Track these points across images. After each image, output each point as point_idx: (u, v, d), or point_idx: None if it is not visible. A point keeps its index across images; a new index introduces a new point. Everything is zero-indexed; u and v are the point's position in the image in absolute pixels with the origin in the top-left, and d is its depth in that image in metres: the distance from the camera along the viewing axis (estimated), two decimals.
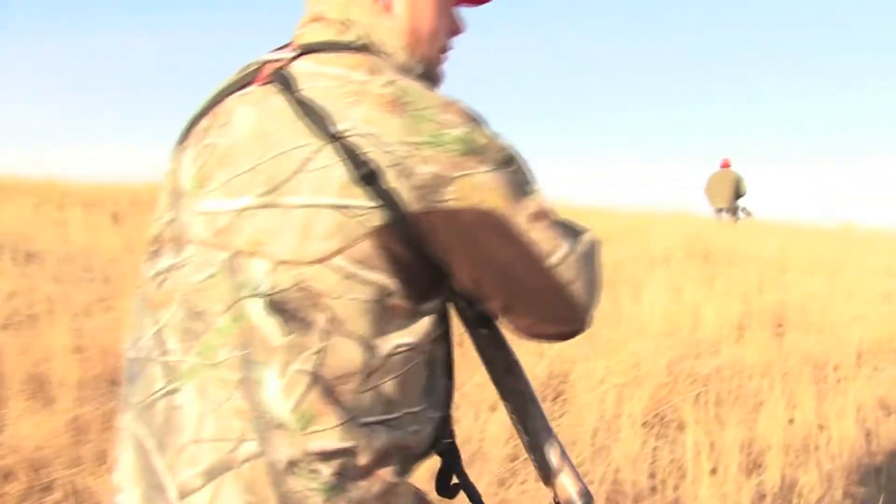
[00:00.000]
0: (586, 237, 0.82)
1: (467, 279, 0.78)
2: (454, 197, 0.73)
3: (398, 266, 0.74)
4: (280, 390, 0.73)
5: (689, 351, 4.04)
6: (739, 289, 5.33)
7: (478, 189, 0.74)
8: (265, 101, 0.78)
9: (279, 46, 0.85)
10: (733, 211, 11.48)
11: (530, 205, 0.77)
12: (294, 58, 0.80)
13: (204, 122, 0.84)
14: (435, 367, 0.83)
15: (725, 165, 11.77)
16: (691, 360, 3.97)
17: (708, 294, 5.07)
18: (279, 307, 0.72)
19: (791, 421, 3.26)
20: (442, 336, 0.84)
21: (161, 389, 0.78)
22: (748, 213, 11.56)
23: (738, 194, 11.62)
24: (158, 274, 0.82)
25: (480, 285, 0.78)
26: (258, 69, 0.82)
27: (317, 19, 0.84)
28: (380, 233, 0.72)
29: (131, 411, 0.81)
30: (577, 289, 0.79)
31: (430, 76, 0.88)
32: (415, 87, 0.77)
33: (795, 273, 6.24)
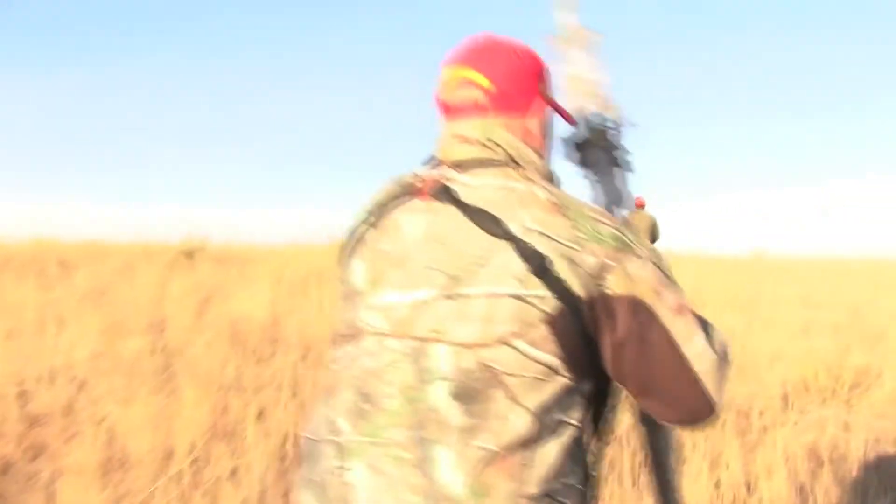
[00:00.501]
0: (720, 335, 0.89)
1: (612, 359, 0.84)
2: (613, 285, 0.81)
3: (564, 347, 0.82)
4: (454, 466, 0.79)
5: None
6: None
7: (631, 279, 0.82)
8: (434, 211, 0.87)
9: (427, 162, 0.95)
10: None
11: (673, 297, 0.84)
12: (449, 173, 0.89)
13: (371, 234, 0.92)
14: (583, 443, 0.88)
15: (640, 206, 11.60)
16: None
17: None
18: (460, 388, 0.81)
19: (717, 484, 2.86)
20: (589, 417, 0.89)
21: (334, 467, 0.85)
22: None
23: (653, 238, 11.51)
24: (334, 362, 0.93)
25: (622, 366, 0.84)
26: (415, 184, 0.91)
27: (462, 140, 0.92)
28: (553, 317, 0.80)
29: (310, 489, 0.88)
30: (710, 382, 0.84)
31: (553, 179, 0.96)
32: (566, 193, 0.89)
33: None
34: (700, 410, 0.85)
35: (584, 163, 1.13)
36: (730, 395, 4.08)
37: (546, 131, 0.99)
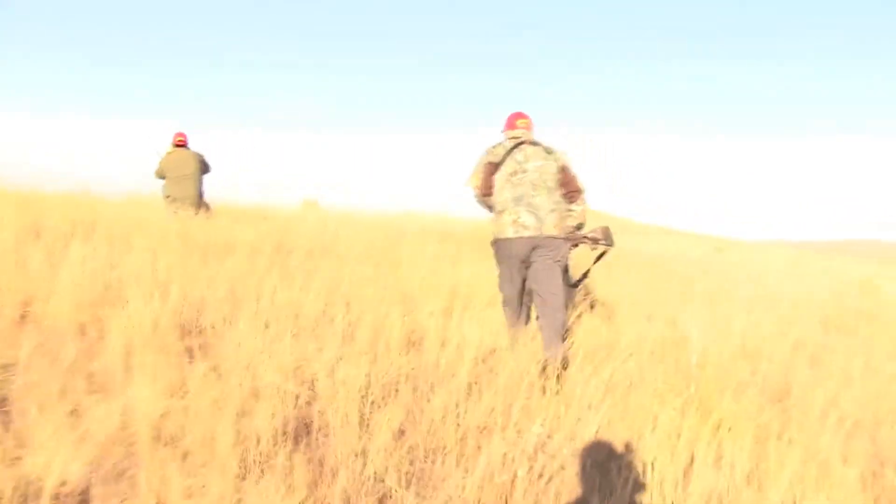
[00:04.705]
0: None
1: (563, 179, 4.32)
2: (564, 163, 4.34)
3: (559, 178, 4.35)
4: (556, 196, 4.29)
5: None
6: None
7: (567, 162, 4.37)
8: (533, 146, 4.38)
9: (523, 136, 4.49)
10: (198, 206, 7.77)
11: (572, 167, 4.41)
12: (533, 140, 4.44)
13: (516, 151, 4.34)
14: None
15: (181, 143, 7.84)
16: None
17: None
18: (550, 185, 4.29)
19: None
20: None
21: (531, 199, 4.24)
22: (208, 209, 7.95)
23: (206, 171, 8.02)
24: (518, 181, 4.28)
25: (567, 180, 4.33)
26: (521, 142, 4.39)
27: (526, 135, 4.48)
28: (559, 169, 4.31)
29: (522, 208, 4.23)
30: (580, 183, 4.38)
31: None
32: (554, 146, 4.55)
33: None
34: (581, 192, 4.33)
35: None
36: None
37: None
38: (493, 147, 4.42)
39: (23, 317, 3.15)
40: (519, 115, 4.54)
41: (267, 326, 3.65)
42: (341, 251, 5.99)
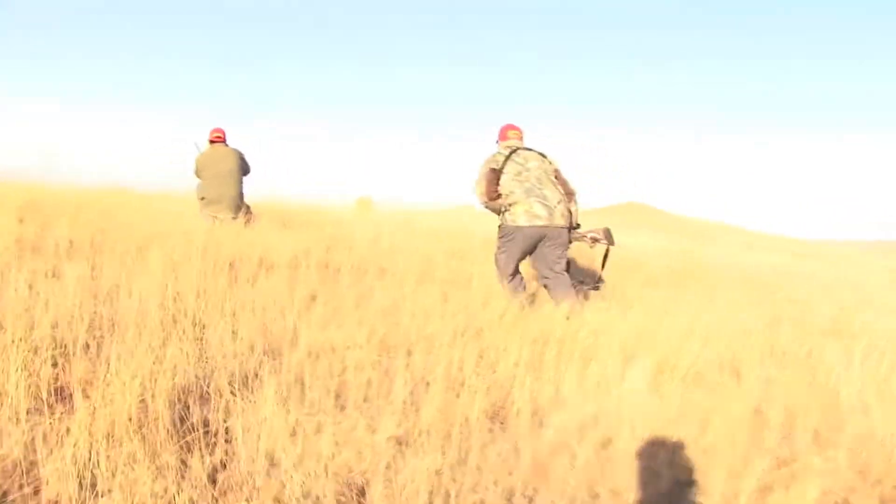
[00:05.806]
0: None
1: (558, 175, 5.10)
2: (557, 166, 5.06)
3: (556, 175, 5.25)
4: (559, 190, 4.93)
5: None
6: None
7: (559, 165, 5.11)
8: (529, 152, 5.05)
9: (517, 144, 5.17)
10: (238, 209, 6.77)
11: (562, 169, 5.15)
12: (527, 146, 5.14)
13: (514, 155, 4.97)
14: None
15: (218, 139, 6.94)
16: None
17: None
18: (551, 177, 4.96)
19: None
20: None
21: (538, 193, 4.84)
22: (249, 213, 6.86)
23: (246, 171, 7.04)
24: (524, 178, 4.88)
25: (560, 176, 5.11)
26: (517, 148, 5.05)
27: (518, 144, 5.15)
28: (554, 170, 5.06)
29: (534, 198, 4.82)
30: (572, 185, 5.11)
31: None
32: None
33: None
34: (575, 192, 5.06)
35: None
36: None
37: None
38: (493, 156, 5.09)
39: None
40: (510, 127, 5.33)
41: (304, 388, 2.68)
42: (399, 267, 5.00)
